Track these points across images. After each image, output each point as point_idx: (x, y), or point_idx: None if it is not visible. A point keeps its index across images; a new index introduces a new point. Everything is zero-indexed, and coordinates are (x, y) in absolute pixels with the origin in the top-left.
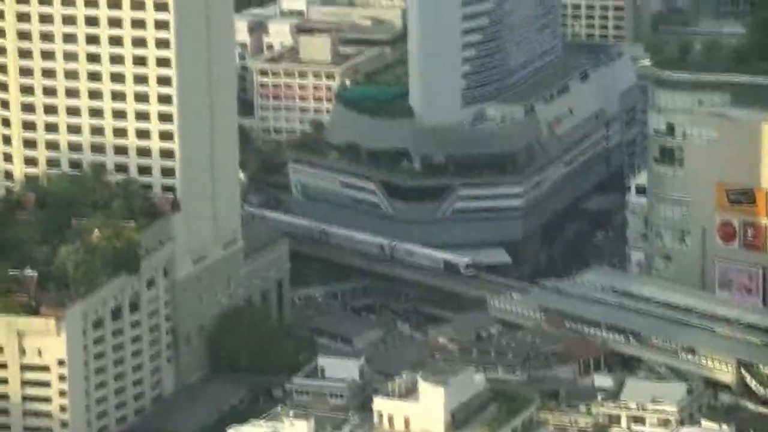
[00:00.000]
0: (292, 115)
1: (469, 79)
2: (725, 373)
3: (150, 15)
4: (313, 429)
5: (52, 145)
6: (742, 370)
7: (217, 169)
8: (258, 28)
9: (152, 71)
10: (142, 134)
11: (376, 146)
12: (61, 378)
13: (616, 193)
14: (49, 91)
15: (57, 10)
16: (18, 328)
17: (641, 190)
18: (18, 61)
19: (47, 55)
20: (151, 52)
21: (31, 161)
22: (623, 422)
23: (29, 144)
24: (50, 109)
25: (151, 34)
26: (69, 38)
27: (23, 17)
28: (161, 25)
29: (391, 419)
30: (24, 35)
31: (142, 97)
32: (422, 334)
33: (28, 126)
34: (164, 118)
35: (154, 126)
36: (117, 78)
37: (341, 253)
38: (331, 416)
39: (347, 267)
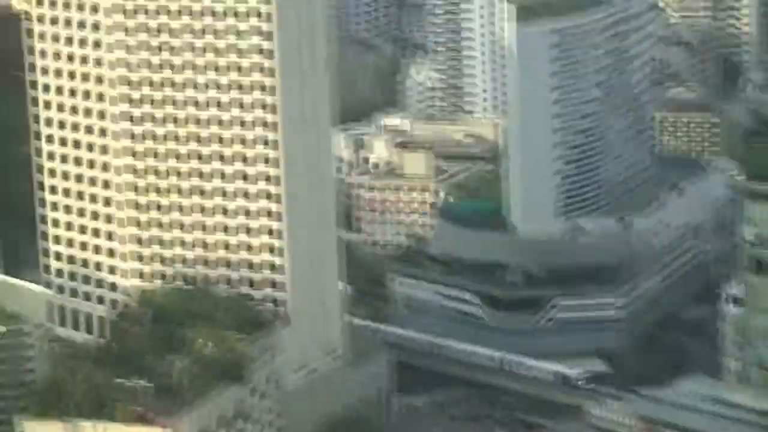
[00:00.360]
0: (393, 229)
1: (565, 192)
2: None
3: (256, 132)
4: None
5: (164, 260)
6: None
7: (322, 282)
8: (359, 144)
9: (259, 187)
10: (251, 248)
11: (476, 258)
12: None
13: (712, 304)
14: (161, 208)
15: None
16: None
17: (736, 301)
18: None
19: (158, 173)
20: (258, 169)
21: (140, 274)
22: None
23: (142, 258)
24: (161, 225)
25: (256, 151)
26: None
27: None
28: (267, 143)
29: None
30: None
31: (249, 213)
32: None
33: (140, 241)
34: (272, 233)
35: (263, 241)
36: (223, 194)
37: (446, 364)
38: None
39: (451, 377)
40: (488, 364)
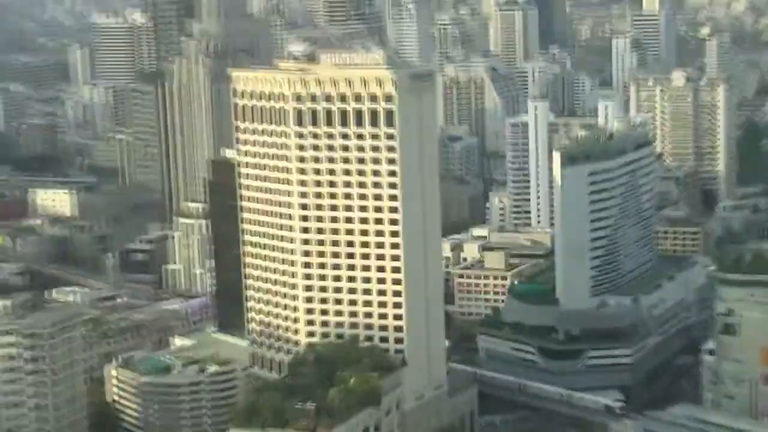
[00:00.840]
0: (480, 304)
1: (594, 278)
2: None
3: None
4: None
5: (326, 323)
6: None
7: (432, 337)
8: (457, 248)
9: (390, 275)
10: (383, 316)
11: (534, 323)
12: None
13: (695, 355)
14: (324, 288)
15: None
16: None
17: (711, 353)
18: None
19: (323, 266)
20: (390, 264)
21: (310, 333)
22: None
23: (311, 322)
24: (324, 299)
25: (387, 252)
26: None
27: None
28: (394, 245)
29: None
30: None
31: (382, 292)
32: None
33: (309, 310)
34: (397, 306)
35: (390, 311)
36: (368, 280)
37: (515, 395)
38: None
39: (519, 404)
40: (546, 396)
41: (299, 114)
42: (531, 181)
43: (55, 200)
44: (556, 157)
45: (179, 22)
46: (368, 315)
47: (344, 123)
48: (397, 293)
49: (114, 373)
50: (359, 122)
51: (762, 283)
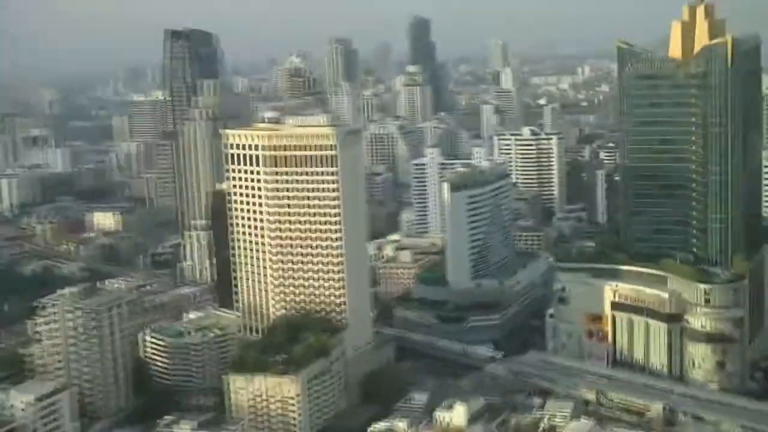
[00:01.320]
0: (396, 286)
1: (473, 268)
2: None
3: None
4: None
5: (289, 300)
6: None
7: (363, 309)
8: (379, 248)
9: (333, 261)
10: (330, 294)
11: (433, 299)
12: None
13: (541, 319)
14: (288, 274)
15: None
16: None
17: (552, 316)
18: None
19: (289, 255)
20: (334, 259)
21: (281, 308)
22: None
23: (280, 300)
24: (287, 283)
25: (333, 251)
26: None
27: None
28: (337, 246)
29: None
30: None
31: (330, 279)
32: None
33: (280, 291)
34: (340, 287)
35: (335, 291)
36: (318, 265)
37: (419, 349)
38: None
39: (422, 354)
40: (448, 349)
41: (269, 159)
42: (428, 202)
43: (104, 219)
44: (446, 186)
45: (188, 98)
46: (320, 294)
47: (301, 164)
48: (340, 279)
49: (146, 337)
50: (311, 164)
51: (584, 269)
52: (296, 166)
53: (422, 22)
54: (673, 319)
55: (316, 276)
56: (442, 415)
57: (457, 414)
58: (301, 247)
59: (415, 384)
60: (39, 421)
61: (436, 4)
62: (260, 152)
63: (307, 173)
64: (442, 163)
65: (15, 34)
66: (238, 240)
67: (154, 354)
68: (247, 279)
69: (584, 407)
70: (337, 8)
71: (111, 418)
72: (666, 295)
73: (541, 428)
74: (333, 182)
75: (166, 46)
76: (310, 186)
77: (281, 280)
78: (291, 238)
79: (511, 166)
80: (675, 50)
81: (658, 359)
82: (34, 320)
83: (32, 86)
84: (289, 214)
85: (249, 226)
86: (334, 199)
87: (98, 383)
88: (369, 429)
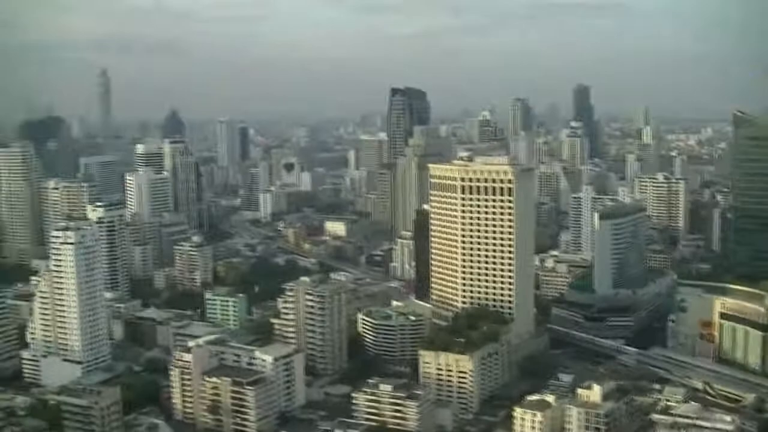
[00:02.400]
0: (553, 291)
1: (613, 280)
2: None
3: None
4: None
5: (471, 296)
6: None
7: (526, 306)
8: (541, 260)
9: (506, 274)
10: (502, 293)
11: (582, 302)
12: None
13: (664, 321)
14: (471, 272)
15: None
16: None
17: (673, 320)
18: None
19: (472, 258)
20: (506, 266)
21: (463, 301)
22: None
23: (464, 295)
24: (470, 279)
25: (506, 260)
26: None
27: None
28: (509, 257)
29: None
30: None
31: (502, 281)
32: None
33: (464, 285)
34: (510, 288)
35: (506, 291)
36: (493, 264)
37: (570, 340)
38: None
39: (569, 344)
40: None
41: (463, 188)
42: (582, 227)
43: (335, 227)
44: (596, 215)
45: (403, 139)
46: (495, 292)
47: (486, 192)
48: (511, 282)
49: (360, 317)
50: (494, 193)
51: (700, 286)
52: (482, 194)
53: (583, 88)
54: None
55: (492, 278)
56: (582, 393)
57: (594, 393)
58: (483, 255)
59: (563, 367)
60: (279, 375)
61: (595, 74)
62: (456, 182)
63: (490, 200)
64: (594, 198)
65: (275, 85)
66: (435, 248)
67: (365, 331)
68: (440, 278)
69: (693, 394)
70: (519, 75)
71: (330, 376)
72: (763, 310)
73: (658, 408)
74: (509, 208)
75: (390, 99)
76: (492, 210)
77: (466, 280)
78: (475, 248)
79: (647, 202)
80: None
81: (754, 359)
82: (281, 299)
83: (290, 126)
84: (474, 230)
85: (444, 238)
86: (509, 220)
87: (322, 350)
88: (525, 399)
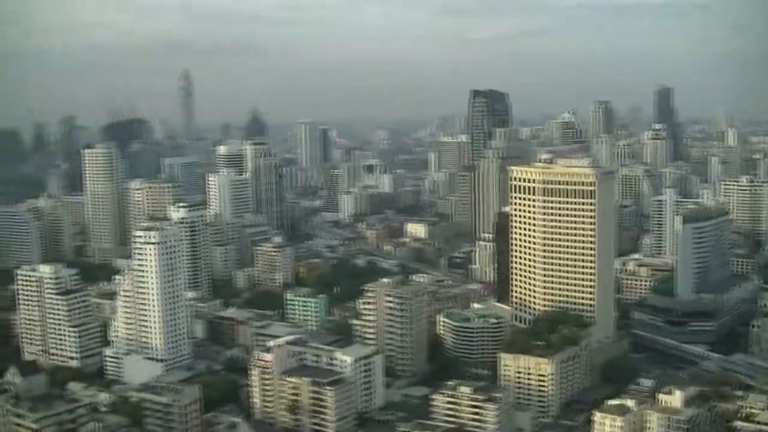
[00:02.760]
0: (634, 294)
1: (695, 284)
2: None
3: (586, 248)
4: None
5: (551, 299)
6: None
7: (607, 310)
8: (623, 263)
9: (587, 277)
10: (583, 297)
11: (663, 306)
12: None
13: (748, 326)
14: (551, 275)
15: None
16: None
17: (756, 326)
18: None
19: (550, 262)
20: (587, 269)
21: (543, 304)
22: None
23: (544, 298)
24: (552, 287)
25: (587, 263)
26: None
27: None
28: (590, 260)
29: None
30: None
31: (583, 284)
32: None
33: (544, 293)
34: (590, 292)
35: (587, 295)
36: (575, 278)
37: (652, 344)
38: None
39: (650, 348)
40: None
41: (543, 190)
42: (664, 230)
43: (416, 229)
44: (678, 218)
45: (484, 141)
46: (575, 295)
47: (567, 195)
48: (591, 285)
49: (441, 319)
50: (575, 195)
51: None
52: (563, 197)
53: (666, 90)
54: None
55: (573, 281)
56: (663, 398)
57: (675, 398)
58: (563, 258)
59: (644, 372)
60: (358, 376)
61: (678, 75)
62: (537, 185)
63: (571, 202)
64: (677, 201)
65: (355, 87)
66: (516, 250)
67: (445, 332)
68: (520, 281)
69: None
70: (599, 77)
71: (408, 378)
72: None
73: (740, 415)
74: (590, 210)
75: (471, 101)
76: (573, 212)
77: (546, 283)
78: (556, 251)
79: (730, 205)
80: None
81: None
82: (361, 300)
83: (370, 128)
84: (555, 233)
85: (525, 241)
86: (590, 223)
87: (402, 351)
88: (605, 404)
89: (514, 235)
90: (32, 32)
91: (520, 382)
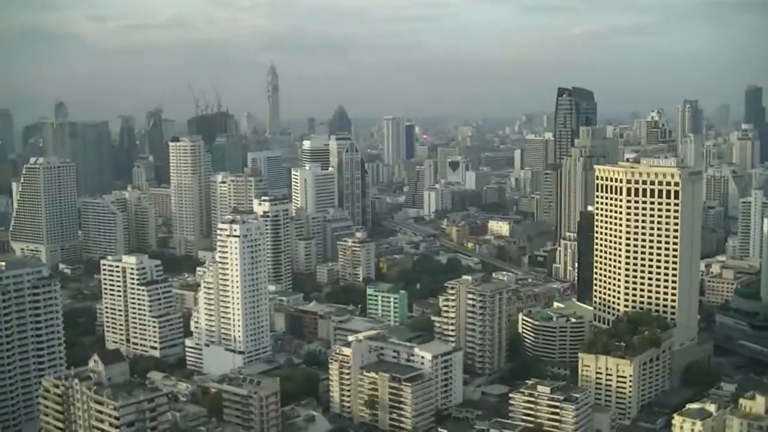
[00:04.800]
0: (718, 297)
1: None
2: None
3: (669, 247)
4: None
5: (633, 300)
6: None
7: (690, 312)
8: (707, 266)
9: (670, 279)
10: (665, 299)
11: (748, 310)
12: None
13: None
14: (634, 274)
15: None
16: None
17: None
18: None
19: (634, 260)
20: (670, 271)
21: (625, 305)
22: None
23: (626, 299)
24: (634, 288)
25: (670, 264)
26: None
27: None
28: (674, 261)
29: None
30: None
31: (665, 286)
32: None
33: (626, 294)
34: (673, 294)
35: (669, 296)
36: (658, 279)
37: (736, 348)
38: None
39: (735, 353)
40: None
41: (628, 190)
42: (751, 233)
43: (498, 226)
44: (766, 220)
45: (569, 139)
46: (658, 297)
47: (652, 195)
48: (674, 287)
49: (521, 317)
50: (660, 195)
51: None
52: (648, 197)
53: (755, 90)
54: None
55: (656, 282)
56: (745, 403)
57: (758, 404)
58: (647, 258)
59: (726, 376)
60: (437, 372)
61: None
62: (622, 184)
63: (656, 202)
64: (764, 203)
65: (440, 84)
66: (599, 250)
67: (525, 331)
68: (603, 280)
69: None
70: (688, 76)
71: (488, 376)
72: None
73: None
74: (675, 211)
75: (557, 99)
76: (658, 213)
77: (629, 283)
78: (639, 251)
79: None
80: None
81: None
82: (442, 297)
83: (455, 125)
84: (639, 233)
85: (608, 240)
86: (674, 224)
87: (481, 349)
88: (685, 407)
89: (597, 235)
90: (135, 28)
91: (599, 383)
